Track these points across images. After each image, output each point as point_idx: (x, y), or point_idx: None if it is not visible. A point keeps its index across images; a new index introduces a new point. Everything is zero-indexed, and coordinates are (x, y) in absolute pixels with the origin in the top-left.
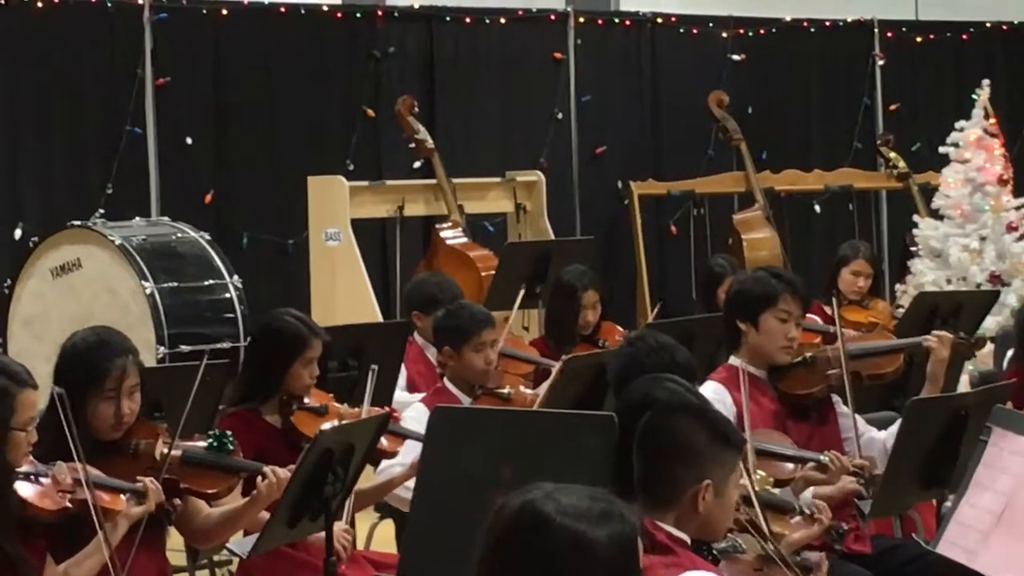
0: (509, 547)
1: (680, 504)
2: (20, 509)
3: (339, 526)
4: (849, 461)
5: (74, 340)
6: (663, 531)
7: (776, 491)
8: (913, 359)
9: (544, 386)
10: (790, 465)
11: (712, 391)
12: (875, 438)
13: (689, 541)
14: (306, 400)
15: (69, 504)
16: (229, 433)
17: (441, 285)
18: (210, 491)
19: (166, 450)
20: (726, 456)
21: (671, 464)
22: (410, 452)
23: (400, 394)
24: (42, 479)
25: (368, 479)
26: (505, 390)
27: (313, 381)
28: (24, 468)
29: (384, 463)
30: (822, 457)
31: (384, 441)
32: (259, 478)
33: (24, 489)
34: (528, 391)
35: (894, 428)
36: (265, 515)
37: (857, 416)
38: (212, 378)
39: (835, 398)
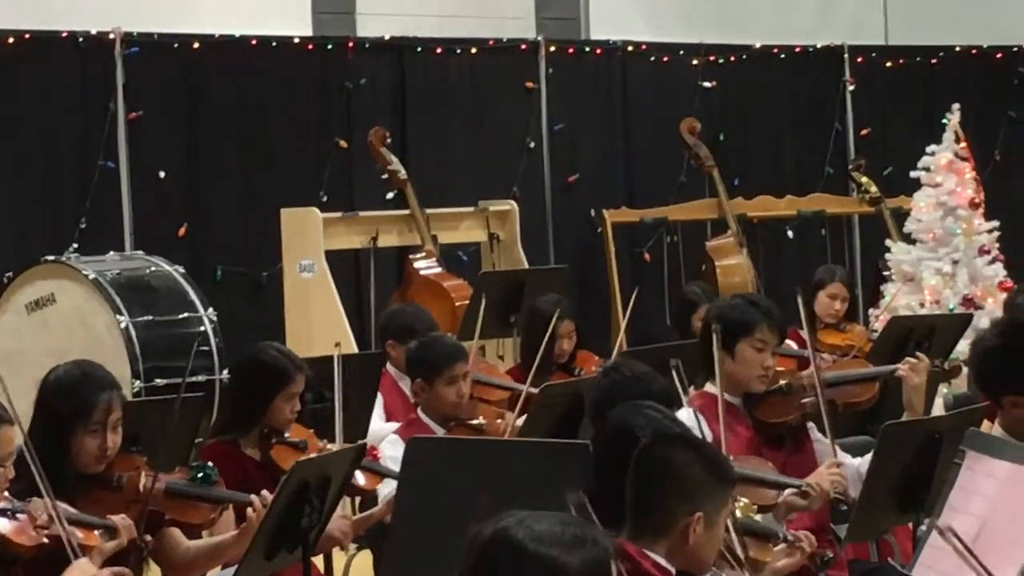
0: (484, 575)
1: (671, 535)
2: None
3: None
4: (829, 488)
5: (57, 374)
6: (650, 560)
7: (759, 517)
8: (888, 385)
9: (513, 415)
10: (772, 491)
11: (687, 417)
12: (849, 464)
13: (675, 572)
14: (286, 434)
15: (45, 540)
16: (212, 465)
17: (416, 315)
18: (195, 522)
19: (149, 482)
20: (720, 491)
21: (666, 495)
22: (388, 489)
23: (377, 423)
24: (18, 515)
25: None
26: (478, 421)
27: (294, 416)
28: (1, 504)
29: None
30: (807, 485)
31: (362, 479)
32: (249, 508)
33: (1, 525)
34: (500, 421)
35: (869, 456)
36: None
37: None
38: (188, 411)
39: (810, 426)
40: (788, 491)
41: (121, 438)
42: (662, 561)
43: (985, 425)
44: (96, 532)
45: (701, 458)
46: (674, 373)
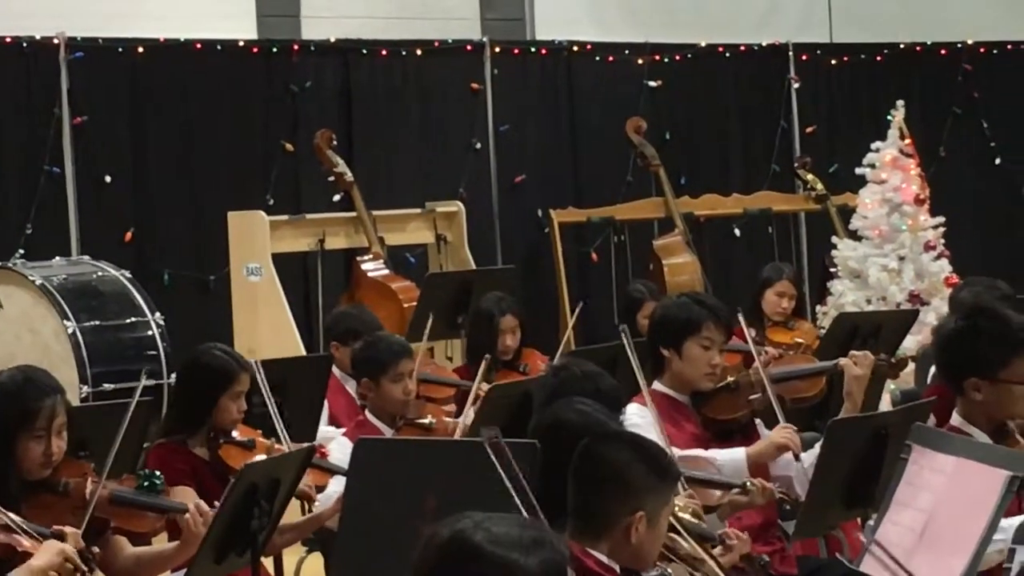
0: None
1: (613, 534)
2: None
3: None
4: (773, 486)
5: (0, 379)
6: (593, 558)
7: (698, 521)
8: (835, 380)
9: (465, 414)
10: (717, 492)
11: (636, 412)
12: (793, 461)
13: (619, 570)
14: (234, 434)
15: None
16: (159, 473)
17: (361, 317)
18: (140, 530)
19: (95, 489)
20: (662, 489)
21: (607, 495)
22: (336, 488)
23: (323, 428)
24: None
25: (295, 515)
26: (426, 420)
27: (241, 415)
28: None
29: (319, 495)
30: (747, 484)
31: (308, 476)
32: (186, 516)
33: None
34: (449, 419)
35: (814, 450)
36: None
37: None
38: (136, 415)
39: (758, 422)
40: (733, 491)
41: (66, 443)
42: (605, 559)
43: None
44: (44, 541)
45: (642, 457)
46: (624, 337)
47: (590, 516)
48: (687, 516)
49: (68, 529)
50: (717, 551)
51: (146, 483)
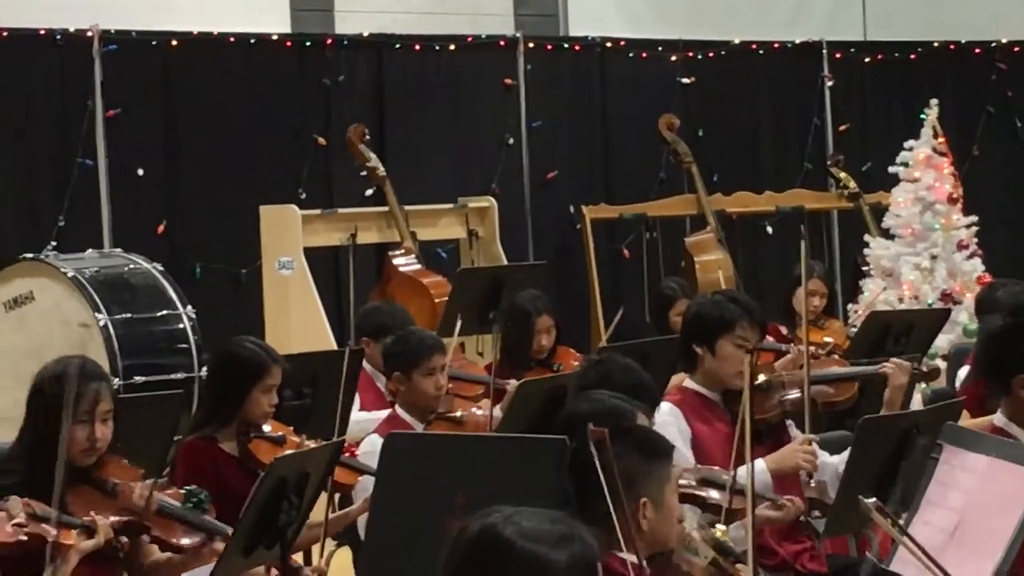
0: (470, 571)
1: (624, 527)
2: None
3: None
4: (800, 505)
5: (51, 366)
6: (616, 559)
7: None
8: (865, 386)
9: (498, 406)
10: (716, 494)
11: (667, 412)
12: (827, 462)
13: (644, 564)
14: (265, 428)
15: (23, 538)
16: (207, 493)
17: (391, 313)
18: (178, 545)
19: (142, 493)
20: (659, 468)
21: (604, 491)
22: (366, 486)
23: (358, 414)
24: None
25: (322, 509)
26: (457, 414)
27: (272, 409)
28: None
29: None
30: (770, 496)
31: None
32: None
33: None
34: (480, 412)
35: (846, 453)
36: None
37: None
38: (166, 408)
39: (789, 422)
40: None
41: (111, 432)
42: (627, 556)
43: (964, 419)
44: (74, 531)
45: (631, 443)
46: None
47: (598, 517)
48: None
49: (100, 521)
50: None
51: (193, 500)
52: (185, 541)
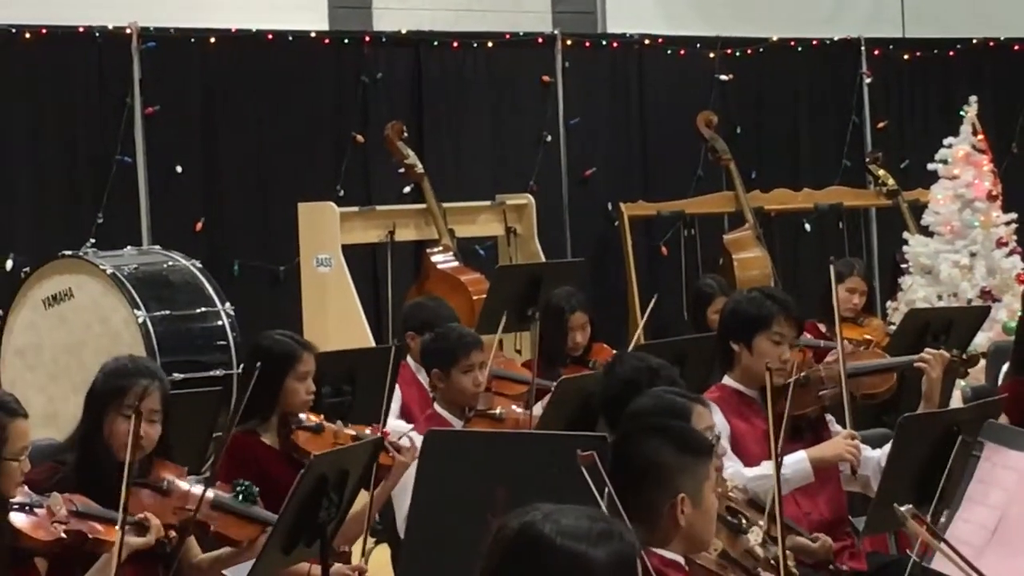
0: (509, 569)
1: (662, 523)
2: (14, 539)
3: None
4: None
5: (108, 363)
6: (657, 556)
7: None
8: (905, 377)
9: (538, 404)
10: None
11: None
12: (870, 456)
13: (683, 561)
14: (302, 417)
15: (64, 535)
16: (255, 487)
17: (437, 309)
18: (236, 538)
19: (195, 490)
20: (697, 466)
21: (644, 487)
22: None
23: (394, 421)
24: (36, 509)
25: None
26: (496, 411)
27: (310, 397)
28: (18, 499)
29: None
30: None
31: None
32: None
33: (18, 520)
34: (519, 410)
35: (888, 447)
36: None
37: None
38: (205, 405)
39: (829, 417)
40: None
41: (158, 433)
42: (667, 554)
43: (1003, 419)
44: (116, 527)
45: (669, 438)
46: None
47: (637, 513)
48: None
49: (152, 516)
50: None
51: (243, 492)
52: (242, 533)
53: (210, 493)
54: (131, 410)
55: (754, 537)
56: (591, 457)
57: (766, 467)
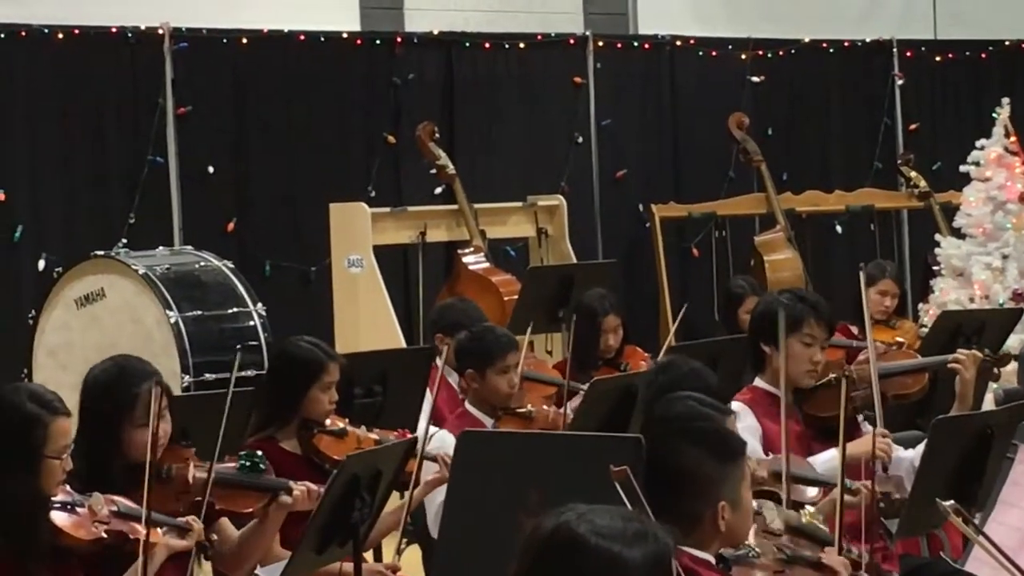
0: (543, 570)
1: (701, 528)
2: (55, 538)
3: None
4: (874, 489)
5: (95, 373)
6: (686, 555)
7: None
8: (937, 378)
9: (569, 404)
10: (812, 490)
11: (737, 410)
12: (902, 457)
13: (713, 561)
14: (327, 423)
15: (104, 535)
16: (260, 453)
17: (466, 310)
18: (245, 511)
19: (199, 473)
20: (734, 469)
21: (685, 496)
22: (427, 471)
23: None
24: (78, 509)
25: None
26: (526, 409)
27: (332, 407)
28: (60, 497)
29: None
30: (850, 484)
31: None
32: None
33: (59, 518)
34: (549, 409)
35: (921, 447)
36: (280, 550)
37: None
38: (238, 406)
39: (861, 419)
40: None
41: (171, 425)
42: (698, 553)
43: None
44: (159, 529)
45: (708, 448)
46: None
47: (674, 517)
48: (810, 521)
49: (194, 520)
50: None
51: (248, 463)
52: (248, 505)
53: (212, 472)
54: (145, 419)
55: (768, 514)
56: (624, 472)
57: (826, 457)
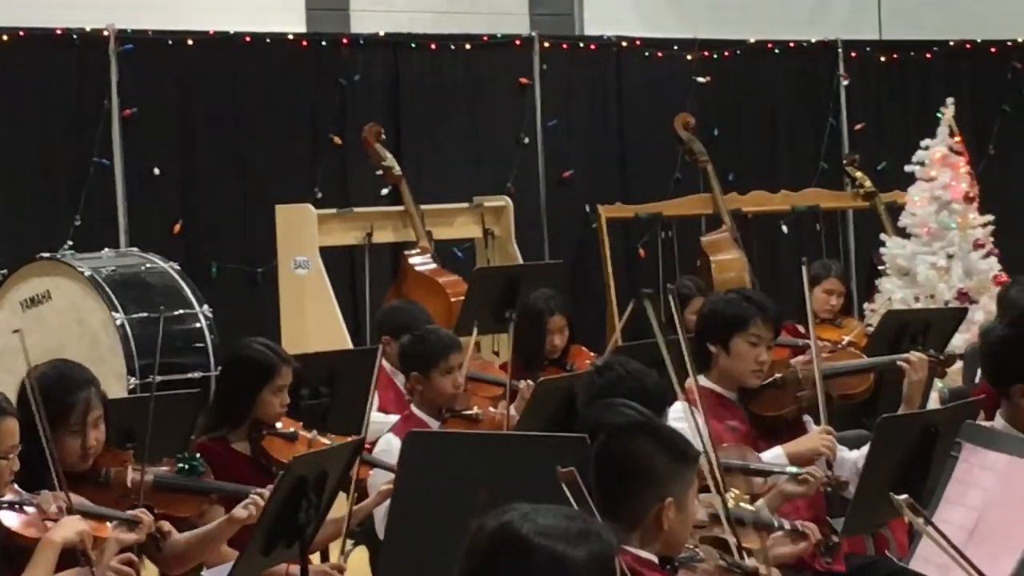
0: (488, 570)
1: (644, 524)
2: (5, 538)
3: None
4: (823, 473)
5: (35, 376)
6: (629, 554)
7: (752, 507)
8: (883, 378)
9: (512, 405)
10: (759, 479)
11: (681, 410)
12: (846, 458)
13: (656, 560)
14: (277, 426)
15: None
16: (198, 456)
17: (412, 312)
18: (183, 515)
19: (137, 476)
20: (686, 472)
21: (633, 487)
22: (379, 480)
23: (376, 415)
24: (27, 508)
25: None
26: (473, 411)
27: (284, 409)
28: (8, 497)
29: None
30: (790, 469)
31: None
32: (246, 500)
33: (8, 518)
34: (496, 411)
35: (865, 449)
36: (228, 550)
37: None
38: (183, 408)
39: (807, 418)
40: (782, 479)
41: (104, 434)
42: (641, 552)
43: (981, 419)
44: (109, 524)
45: (661, 444)
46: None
47: (619, 511)
48: (746, 505)
49: (143, 512)
50: (778, 535)
51: (186, 466)
52: (186, 509)
53: (149, 476)
54: (79, 426)
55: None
56: (571, 474)
57: (771, 455)
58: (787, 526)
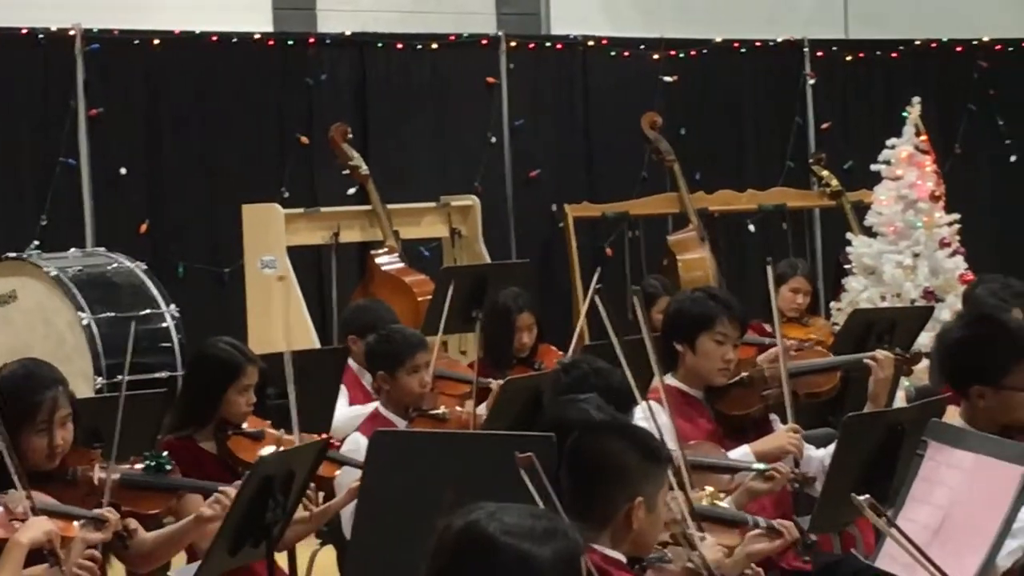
0: (454, 569)
1: (614, 523)
2: None
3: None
4: (788, 469)
5: (2, 375)
6: (598, 553)
7: (724, 505)
8: (849, 376)
9: (481, 405)
10: (726, 476)
11: (647, 409)
12: (812, 456)
13: (625, 560)
14: (243, 426)
15: None
16: (165, 454)
17: (378, 311)
18: (151, 512)
19: (104, 474)
20: (657, 472)
21: (604, 485)
22: (347, 479)
23: (347, 408)
24: None
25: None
26: (440, 411)
27: (250, 408)
28: None
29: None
30: (757, 465)
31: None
32: (211, 498)
33: None
34: (463, 410)
35: (831, 448)
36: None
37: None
38: (150, 407)
39: (773, 417)
40: (748, 476)
41: (72, 434)
42: (609, 552)
43: (950, 412)
44: (76, 523)
45: (633, 443)
46: (635, 299)
47: (589, 510)
48: (720, 503)
49: (109, 511)
50: (754, 533)
51: (153, 464)
52: (153, 506)
53: (116, 474)
54: (46, 424)
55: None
56: (529, 459)
57: (738, 454)
58: (763, 524)
